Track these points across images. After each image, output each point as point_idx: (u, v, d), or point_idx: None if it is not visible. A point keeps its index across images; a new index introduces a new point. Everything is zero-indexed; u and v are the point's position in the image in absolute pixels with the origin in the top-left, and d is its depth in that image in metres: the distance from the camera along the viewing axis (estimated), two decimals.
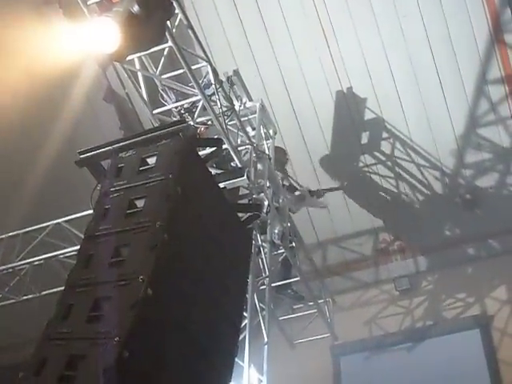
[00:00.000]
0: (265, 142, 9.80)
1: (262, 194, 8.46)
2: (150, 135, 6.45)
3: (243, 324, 7.34)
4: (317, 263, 11.98)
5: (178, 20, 7.48)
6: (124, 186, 6.05)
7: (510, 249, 11.76)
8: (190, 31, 7.59)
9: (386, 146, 11.81)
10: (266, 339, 8.34)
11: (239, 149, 8.51)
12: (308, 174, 11.85)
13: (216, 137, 7.91)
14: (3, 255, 10.82)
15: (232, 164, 8.32)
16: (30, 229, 10.91)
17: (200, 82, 7.84)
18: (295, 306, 11.31)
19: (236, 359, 6.38)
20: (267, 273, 8.73)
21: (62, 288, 5.64)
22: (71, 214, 10.43)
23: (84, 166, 6.67)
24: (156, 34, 6.67)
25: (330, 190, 11.53)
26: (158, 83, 8.13)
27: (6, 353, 13.01)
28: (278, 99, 11.41)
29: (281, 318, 10.81)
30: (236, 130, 8.73)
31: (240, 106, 9.15)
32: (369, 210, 12.35)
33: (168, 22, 6.92)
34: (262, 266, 8.76)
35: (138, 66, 7.67)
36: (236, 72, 9.13)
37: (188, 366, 5.46)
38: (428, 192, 12.06)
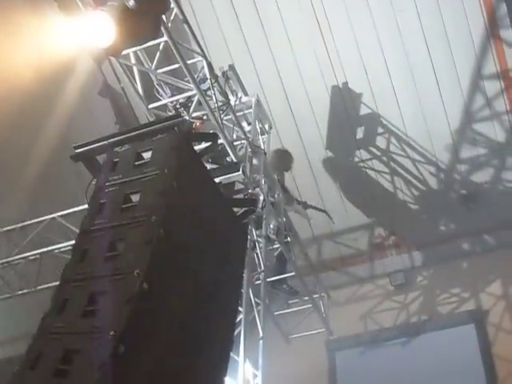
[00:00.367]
0: (260, 136, 9.81)
1: (258, 189, 8.46)
2: (145, 130, 6.43)
3: (238, 319, 7.35)
4: (312, 258, 11.99)
5: (173, 14, 7.46)
6: (119, 181, 6.04)
7: (505, 244, 11.78)
8: (185, 26, 7.57)
9: (381, 141, 11.83)
10: (261, 334, 8.33)
11: (235, 144, 8.50)
12: (303, 169, 11.86)
13: (211, 131, 7.90)
14: None
15: (227, 159, 8.30)
16: (25, 223, 10.90)
17: (195, 76, 7.83)
18: (290, 301, 11.30)
19: (231, 354, 6.39)
20: (262, 268, 8.74)
21: (58, 283, 5.64)
22: (67, 209, 10.43)
23: (79, 161, 6.65)
24: (151, 28, 6.65)
25: (315, 208, 11.60)
26: (153, 78, 8.12)
27: (1, 347, 13.00)
28: (273, 94, 11.42)
29: (276, 313, 10.81)
30: (231, 125, 8.72)
31: (235, 101, 9.16)
32: (364, 205, 12.38)
33: (163, 17, 6.91)
34: (257, 261, 8.77)
35: (133, 60, 7.64)
36: (231, 67, 9.12)
37: (184, 360, 5.47)
38: (423, 187, 12.08)
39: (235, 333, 6.88)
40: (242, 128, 8.84)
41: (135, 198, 5.83)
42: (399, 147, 11.78)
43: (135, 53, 7.64)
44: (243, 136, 8.75)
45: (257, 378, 8.02)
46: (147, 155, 6.16)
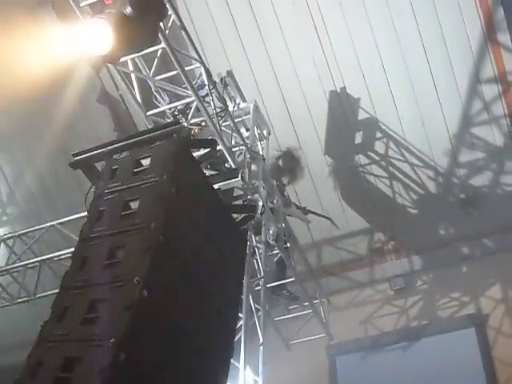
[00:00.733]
0: (259, 142, 9.80)
1: (257, 195, 8.46)
2: (144, 137, 6.44)
3: (239, 325, 7.35)
4: (312, 263, 11.98)
5: (171, 21, 7.47)
6: (118, 188, 6.05)
7: (505, 247, 11.76)
8: (183, 32, 7.60)
9: (379, 146, 11.82)
10: (261, 340, 8.33)
11: (233, 150, 8.51)
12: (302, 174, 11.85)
13: (210, 138, 7.91)
14: None
15: (226, 165, 8.31)
16: (24, 231, 10.90)
17: (193, 83, 7.84)
18: (290, 307, 11.30)
19: (232, 360, 6.39)
20: (262, 273, 8.74)
21: (57, 290, 5.64)
22: (66, 217, 10.43)
23: (78, 168, 6.66)
24: (149, 35, 6.68)
25: (318, 214, 11.61)
26: (151, 85, 8.12)
27: (1, 355, 12.99)
28: (271, 100, 11.41)
29: (276, 319, 10.81)
30: (230, 131, 8.72)
31: (234, 107, 9.15)
32: (363, 209, 12.37)
33: (161, 24, 6.92)
34: (256, 267, 8.77)
35: (131, 67, 7.66)
36: (229, 73, 9.13)
37: (184, 367, 5.46)
38: (422, 191, 12.07)
39: (235, 339, 6.88)
40: (240, 134, 8.84)
41: (134, 205, 5.84)
42: (398, 152, 11.77)
43: (133, 60, 7.66)
44: (242, 142, 8.75)
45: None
46: (146, 162, 6.17)
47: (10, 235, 10.96)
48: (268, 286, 9.42)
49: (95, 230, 5.81)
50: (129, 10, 6.16)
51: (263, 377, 8.05)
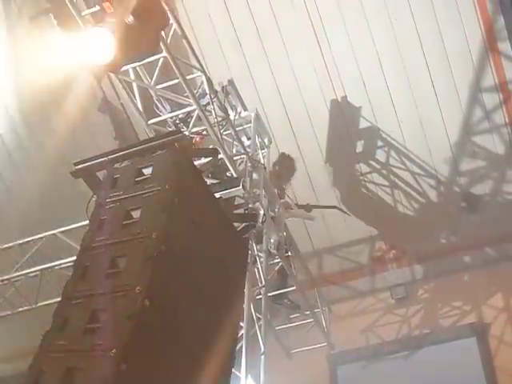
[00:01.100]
0: (260, 151, 9.80)
1: (258, 204, 8.45)
2: (145, 146, 6.43)
3: (240, 334, 7.33)
4: (313, 272, 11.97)
5: (172, 30, 7.49)
6: (120, 197, 6.03)
7: (506, 256, 11.76)
8: (184, 41, 7.62)
9: (381, 155, 11.82)
10: (262, 349, 8.29)
11: (234, 158, 8.51)
12: (303, 182, 11.85)
13: (211, 147, 7.91)
14: None
15: (227, 174, 8.31)
16: (25, 240, 10.89)
17: (195, 92, 7.85)
18: (292, 316, 11.27)
19: (233, 370, 6.37)
20: (263, 282, 8.71)
21: (58, 300, 5.62)
22: (67, 225, 10.41)
23: (79, 177, 6.64)
24: (150, 44, 6.68)
25: (322, 206, 11.59)
26: (152, 93, 8.13)
27: (2, 364, 12.96)
28: (272, 109, 11.42)
29: (277, 328, 10.78)
30: (231, 140, 8.74)
31: (235, 116, 9.15)
32: (364, 218, 12.36)
33: (162, 33, 6.94)
34: (258, 276, 8.74)
35: (132, 76, 7.67)
36: (231, 82, 9.12)
37: (185, 377, 5.44)
38: (423, 200, 12.06)
39: (236, 348, 6.85)
40: (241, 143, 8.85)
41: (136, 214, 5.82)
42: (399, 160, 11.78)
43: (134, 69, 7.66)
44: (243, 151, 8.76)
45: None
46: (148, 171, 6.16)
47: (11, 244, 10.95)
48: (269, 294, 9.39)
49: (97, 239, 5.80)
50: (130, 18, 6.17)
51: None
